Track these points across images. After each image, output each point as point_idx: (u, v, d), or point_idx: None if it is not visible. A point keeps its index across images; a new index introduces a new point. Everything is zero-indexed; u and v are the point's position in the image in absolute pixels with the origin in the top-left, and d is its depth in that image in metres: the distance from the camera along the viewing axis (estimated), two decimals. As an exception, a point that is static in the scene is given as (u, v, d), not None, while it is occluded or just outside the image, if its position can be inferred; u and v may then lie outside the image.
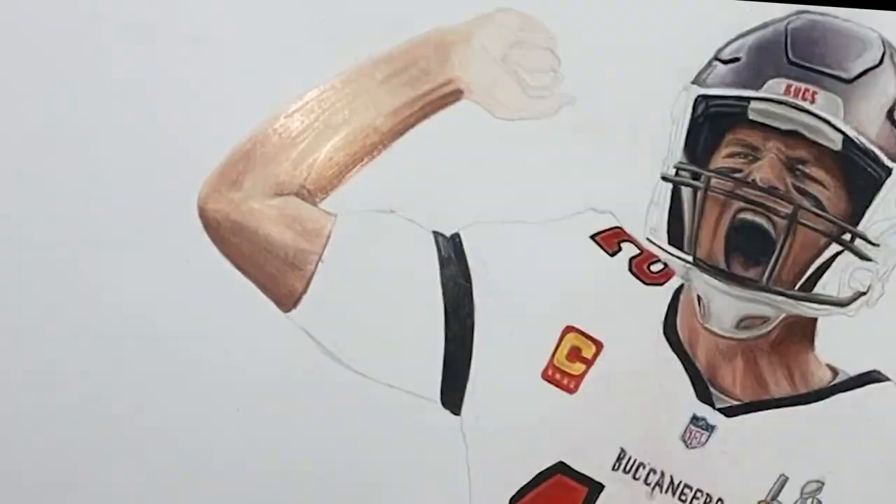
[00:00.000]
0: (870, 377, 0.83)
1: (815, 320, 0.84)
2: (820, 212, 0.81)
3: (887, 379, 0.83)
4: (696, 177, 0.83)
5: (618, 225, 0.84)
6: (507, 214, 0.82)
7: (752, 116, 0.82)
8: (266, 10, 0.85)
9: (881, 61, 0.83)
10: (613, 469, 0.80)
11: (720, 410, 0.82)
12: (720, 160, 0.83)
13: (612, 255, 0.83)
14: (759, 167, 0.82)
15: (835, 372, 0.84)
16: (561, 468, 0.80)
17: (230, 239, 0.80)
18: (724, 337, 0.83)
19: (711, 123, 0.83)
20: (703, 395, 0.83)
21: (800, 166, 0.82)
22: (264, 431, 0.79)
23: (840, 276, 0.82)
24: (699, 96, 0.84)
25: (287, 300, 0.80)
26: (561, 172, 0.83)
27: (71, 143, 0.81)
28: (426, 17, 0.84)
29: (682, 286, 0.84)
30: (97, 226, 0.80)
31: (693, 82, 0.84)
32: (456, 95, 0.84)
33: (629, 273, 0.83)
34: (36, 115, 0.81)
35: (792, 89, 0.82)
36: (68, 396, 0.78)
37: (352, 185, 0.81)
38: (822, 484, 0.81)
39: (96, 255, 0.79)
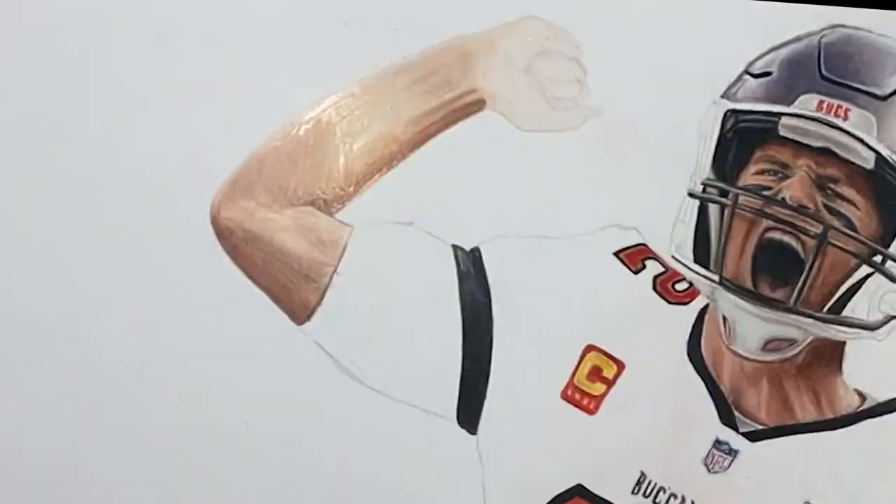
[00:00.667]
0: (899, 404, 0.81)
1: (843, 344, 0.81)
2: (851, 232, 0.79)
3: (917, 405, 0.82)
4: (723, 194, 0.81)
5: (642, 242, 0.82)
6: (528, 229, 0.81)
7: (782, 133, 0.80)
8: (284, 13, 0.83)
9: (917, 78, 0.81)
10: (633, 493, 0.78)
11: (744, 434, 0.81)
12: (749, 177, 0.81)
13: (636, 272, 0.81)
14: (789, 185, 0.80)
15: (863, 397, 0.82)
16: (579, 491, 0.78)
17: (243, 248, 0.78)
18: (749, 359, 0.81)
19: (741, 139, 0.81)
20: (727, 419, 0.81)
21: (831, 185, 0.80)
22: (274, 447, 0.77)
23: (870, 299, 0.80)
24: (728, 111, 0.81)
25: (300, 313, 0.78)
26: (585, 187, 0.81)
27: (81, 147, 0.79)
28: (450, 24, 0.82)
29: (707, 306, 0.82)
30: (104, 231, 0.78)
31: (722, 96, 0.82)
32: (478, 105, 0.82)
33: (653, 291, 0.81)
34: (44, 117, 0.79)
35: (824, 105, 0.79)
36: (73, 408, 0.77)
37: (369, 196, 0.80)
38: (848, 512, 0.80)
39: (102, 261, 0.78)
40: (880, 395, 0.81)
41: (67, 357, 0.77)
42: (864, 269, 0.80)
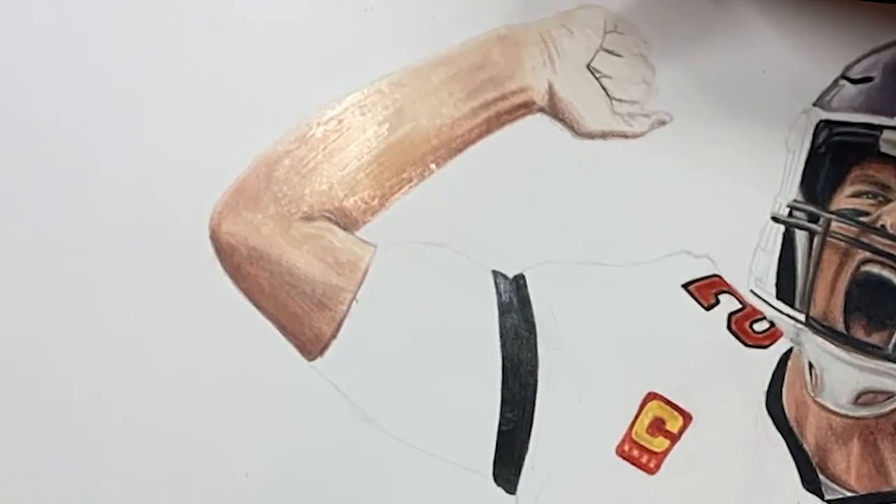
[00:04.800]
0: None
1: (949, 399, 0.74)
2: (961, 268, 0.72)
3: None
4: (813, 219, 0.74)
5: (716, 273, 0.74)
6: (582, 254, 0.73)
7: (883, 149, 0.74)
8: (300, -5, 0.76)
9: None
10: (698, 567, 0.71)
11: (830, 503, 0.72)
12: (843, 200, 0.74)
13: (708, 308, 0.73)
14: (890, 210, 0.73)
15: (970, 463, 0.74)
16: (635, 564, 0.70)
17: (247, 269, 0.71)
18: (838, 414, 0.73)
19: (835, 155, 0.74)
20: (811, 484, 0.73)
21: (939, 212, 0.73)
22: (278, 502, 0.69)
23: (982, 348, 0.72)
24: (821, 121, 0.75)
25: (312, 346, 0.70)
26: (650, 206, 0.74)
27: (64, 147, 0.72)
28: (496, 11, 0.76)
29: (790, 350, 0.74)
30: (87, 244, 0.71)
31: (815, 104, 0.75)
32: (527, 107, 0.75)
33: (728, 332, 0.73)
34: (27, 113, 0.73)
35: (934, 118, 0.73)
36: (45, 448, 0.69)
37: (396, 211, 0.72)
38: None
39: (84, 279, 0.70)
40: None
41: (41, 390, 0.70)
42: (976, 312, 0.73)
